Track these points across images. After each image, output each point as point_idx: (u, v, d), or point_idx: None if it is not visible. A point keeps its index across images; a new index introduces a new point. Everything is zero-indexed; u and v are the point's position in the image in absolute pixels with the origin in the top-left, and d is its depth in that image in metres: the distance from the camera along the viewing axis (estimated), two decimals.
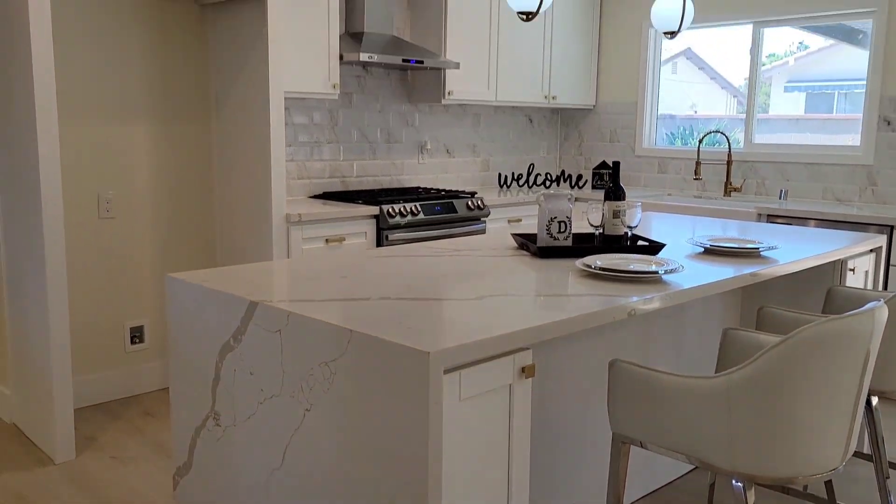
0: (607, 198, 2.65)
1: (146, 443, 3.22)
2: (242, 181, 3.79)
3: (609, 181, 5.23)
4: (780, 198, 4.71)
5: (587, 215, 2.64)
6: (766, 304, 2.97)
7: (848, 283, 2.87)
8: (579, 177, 5.37)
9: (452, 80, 4.60)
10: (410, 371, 1.46)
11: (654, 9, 3.00)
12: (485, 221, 4.44)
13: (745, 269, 2.31)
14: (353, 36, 4.27)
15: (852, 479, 2.91)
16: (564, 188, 5.30)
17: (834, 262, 2.90)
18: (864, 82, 4.45)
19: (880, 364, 2.14)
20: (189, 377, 2.06)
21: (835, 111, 4.79)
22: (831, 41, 4.79)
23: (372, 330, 1.56)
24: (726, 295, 3.03)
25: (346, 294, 1.90)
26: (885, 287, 3.83)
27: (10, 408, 3.42)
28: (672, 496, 2.79)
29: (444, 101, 4.59)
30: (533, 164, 5.41)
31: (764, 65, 4.92)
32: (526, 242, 2.59)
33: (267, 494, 1.85)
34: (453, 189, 4.90)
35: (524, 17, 2.33)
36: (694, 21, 5.03)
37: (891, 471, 2.90)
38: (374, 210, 3.93)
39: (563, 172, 5.53)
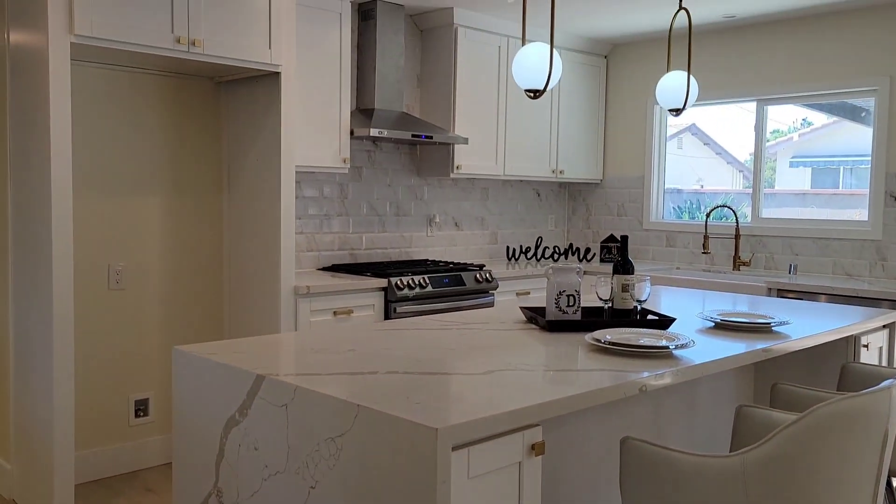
0: (616, 271, 2.65)
1: None
2: (252, 254, 3.82)
3: (617, 255, 5.25)
4: (789, 272, 4.70)
5: (596, 289, 2.63)
6: (779, 380, 2.92)
7: (862, 360, 2.82)
8: (587, 250, 5.38)
9: (461, 154, 4.68)
10: (418, 448, 1.43)
11: (660, 87, 3.07)
12: (493, 294, 4.44)
13: (757, 345, 2.28)
14: (363, 112, 4.37)
15: None
16: (573, 261, 5.30)
17: (847, 337, 2.87)
18: (869, 158, 4.50)
19: None
20: (193, 452, 2.03)
21: (840, 185, 4.83)
22: (834, 118, 4.87)
23: (379, 405, 1.54)
24: (738, 370, 2.98)
25: (353, 367, 1.88)
26: None
27: (10, 483, 3.36)
28: None
29: (452, 175, 4.66)
30: (541, 238, 5.44)
31: (769, 140, 4.99)
32: (535, 316, 2.58)
33: None
34: (462, 262, 4.91)
35: (531, 94, 2.38)
36: (698, 98, 5.13)
37: None
38: (383, 282, 3.93)
39: (570, 245, 5.55)
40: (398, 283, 3.96)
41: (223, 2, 3.29)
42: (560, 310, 2.51)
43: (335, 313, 3.77)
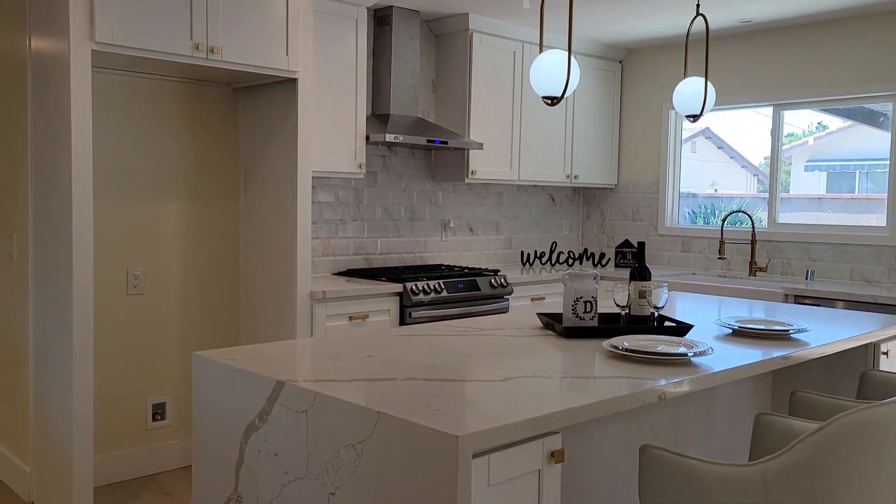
0: (633, 278, 2.64)
1: None
2: (268, 259, 3.84)
3: (632, 260, 5.24)
4: (806, 278, 4.67)
5: (613, 295, 2.63)
6: (797, 387, 2.91)
7: (882, 367, 2.80)
8: (602, 255, 5.37)
9: (476, 159, 4.68)
10: (439, 455, 1.44)
11: (677, 93, 3.07)
12: (508, 299, 4.43)
13: (776, 352, 2.27)
14: (379, 117, 4.39)
15: None
16: (587, 266, 5.29)
17: (867, 345, 2.85)
18: (887, 162, 4.47)
19: None
20: (212, 457, 2.04)
21: (857, 189, 4.80)
22: (850, 122, 4.84)
23: (399, 412, 1.54)
24: (757, 378, 2.97)
25: (371, 374, 1.89)
26: None
27: (29, 485, 3.39)
28: None
29: (467, 181, 4.67)
30: (556, 243, 5.43)
31: (783, 144, 4.96)
32: (551, 322, 2.58)
33: None
34: (476, 267, 4.92)
35: (549, 101, 2.39)
36: (715, 104, 5.11)
37: None
38: (398, 287, 3.94)
39: (585, 251, 5.54)
40: (413, 288, 3.96)
41: (241, 9, 3.32)
42: (577, 316, 2.51)
43: (351, 318, 3.78)
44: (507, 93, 4.87)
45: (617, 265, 5.32)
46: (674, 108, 5.36)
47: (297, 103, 3.62)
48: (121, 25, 2.98)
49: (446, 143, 4.32)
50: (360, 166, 4.13)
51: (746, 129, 5.23)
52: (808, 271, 4.67)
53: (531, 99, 4.99)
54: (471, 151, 4.65)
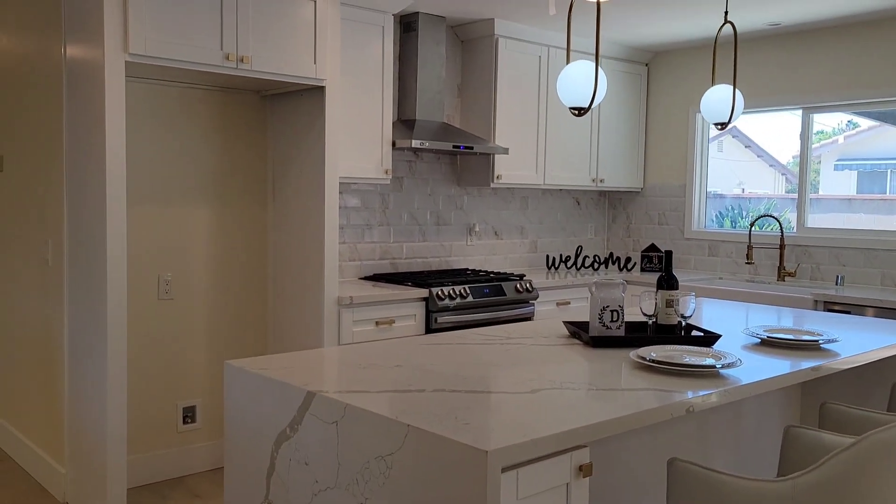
0: (660, 286, 2.64)
1: None
2: (296, 264, 3.88)
3: (658, 264, 5.21)
4: (836, 283, 4.62)
5: (640, 304, 2.63)
6: (826, 398, 2.88)
7: None
8: (628, 259, 5.35)
9: (501, 164, 4.69)
10: (468, 469, 1.45)
11: (705, 100, 3.05)
12: (533, 304, 4.44)
13: (805, 364, 2.25)
14: (405, 123, 4.41)
15: None
16: (613, 270, 5.28)
17: None
18: None
19: None
20: (244, 465, 2.08)
21: (888, 189, 4.73)
22: (881, 122, 4.77)
23: (429, 425, 1.56)
24: (785, 388, 2.95)
25: (400, 385, 1.91)
26: None
27: (64, 486, 3.47)
28: None
29: (492, 185, 4.68)
30: (581, 247, 5.42)
31: (813, 143, 4.90)
32: (578, 331, 2.58)
33: None
34: (502, 271, 4.92)
35: (576, 112, 2.39)
36: (743, 108, 5.07)
37: None
38: (424, 293, 3.97)
39: (611, 255, 5.53)
40: (439, 293, 3.99)
41: (270, 19, 3.36)
42: (604, 325, 2.52)
43: (377, 323, 3.81)
44: (533, 97, 4.87)
45: (643, 269, 5.29)
46: (700, 112, 5.32)
47: (325, 110, 3.65)
48: (153, 37, 3.03)
49: (472, 148, 4.34)
50: (387, 172, 4.16)
51: (774, 127, 5.18)
52: (837, 276, 4.61)
53: (556, 103, 4.99)
54: (496, 156, 4.66)
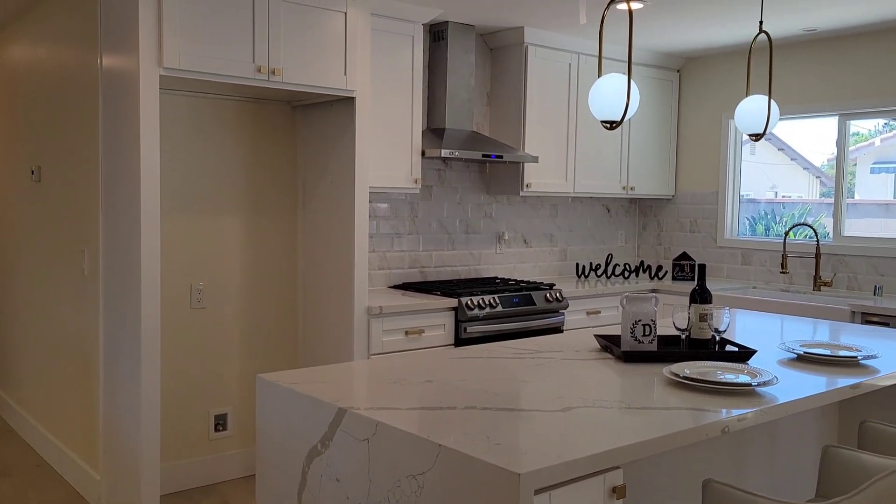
0: (693, 300, 2.60)
1: None
2: (326, 273, 3.90)
3: (690, 272, 5.15)
4: (874, 294, 4.52)
5: (672, 318, 2.59)
6: (865, 416, 2.81)
7: None
8: (659, 267, 5.29)
9: (530, 172, 4.67)
10: (501, 491, 1.44)
11: (739, 111, 3.01)
12: (563, 314, 4.41)
13: (844, 381, 2.21)
14: (434, 132, 4.42)
15: None
16: (643, 279, 5.23)
17: None
18: None
19: None
20: (276, 478, 2.09)
21: None
22: None
23: (461, 445, 1.56)
24: (822, 406, 2.88)
25: (431, 402, 1.90)
26: None
27: (98, 492, 3.52)
28: None
29: (522, 194, 4.66)
30: (611, 255, 5.38)
31: (849, 146, 4.82)
32: (609, 345, 2.56)
33: None
34: (531, 280, 4.90)
35: (608, 125, 2.37)
36: (778, 117, 5.00)
37: None
38: (453, 302, 3.96)
39: (642, 263, 5.47)
40: (468, 303, 3.98)
41: (301, 31, 3.39)
42: (636, 339, 2.49)
43: (407, 333, 3.82)
44: (563, 105, 4.84)
45: (674, 278, 5.23)
46: (734, 120, 5.25)
47: (355, 120, 3.67)
48: (187, 50, 3.07)
49: (501, 157, 4.32)
50: (416, 181, 4.17)
51: (809, 129, 5.09)
52: (875, 286, 4.52)
53: (586, 111, 4.95)
54: (525, 164, 4.64)
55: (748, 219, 5.35)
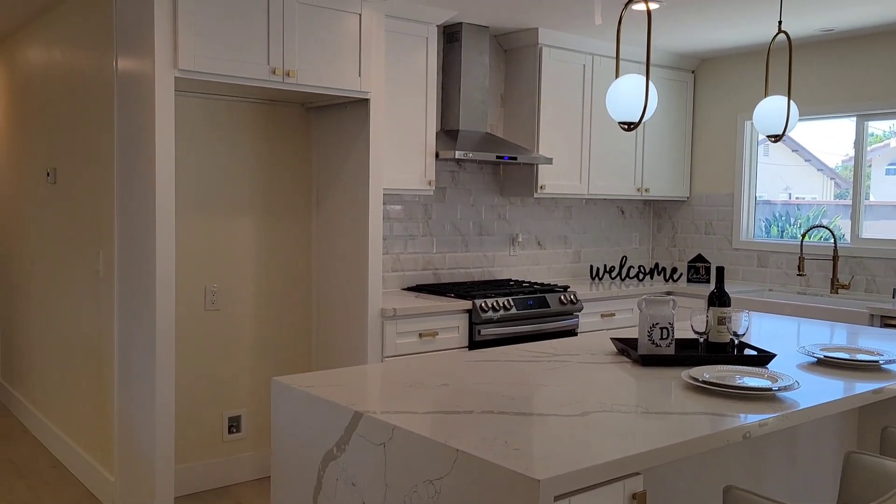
0: (711, 303, 2.57)
1: None
2: (340, 275, 3.89)
3: (705, 274, 5.10)
4: (893, 296, 4.47)
5: (691, 321, 2.57)
6: (886, 421, 2.77)
7: None
8: (674, 270, 5.25)
9: (544, 174, 4.65)
10: (520, 497, 1.43)
11: (758, 112, 2.98)
12: (577, 316, 4.38)
13: (866, 386, 2.17)
14: (448, 133, 4.40)
15: None
16: (658, 281, 5.19)
17: None
18: None
19: None
20: (291, 482, 2.08)
21: None
22: None
23: (478, 451, 1.54)
24: (842, 411, 2.85)
25: (448, 405, 1.89)
26: None
27: (113, 494, 3.53)
28: None
29: (536, 195, 4.64)
30: (626, 257, 5.34)
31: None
32: (626, 349, 2.53)
33: None
34: (545, 282, 4.88)
35: (626, 127, 2.35)
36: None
37: None
38: (467, 304, 3.94)
39: (656, 265, 5.43)
40: (483, 305, 3.96)
41: (316, 33, 3.38)
42: (653, 343, 2.46)
43: (420, 335, 3.80)
44: (577, 106, 4.82)
45: (689, 280, 5.19)
46: (750, 120, 5.21)
47: (369, 122, 3.66)
48: (202, 52, 3.07)
49: (515, 159, 4.30)
50: (430, 183, 4.16)
51: (823, 131, 5.04)
52: (894, 289, 4.46)
53: (601, 112, 4.93)
54: (540, 166, 4.62)
55: (763, 221, 5.30)
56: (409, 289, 4.43)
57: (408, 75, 4.05)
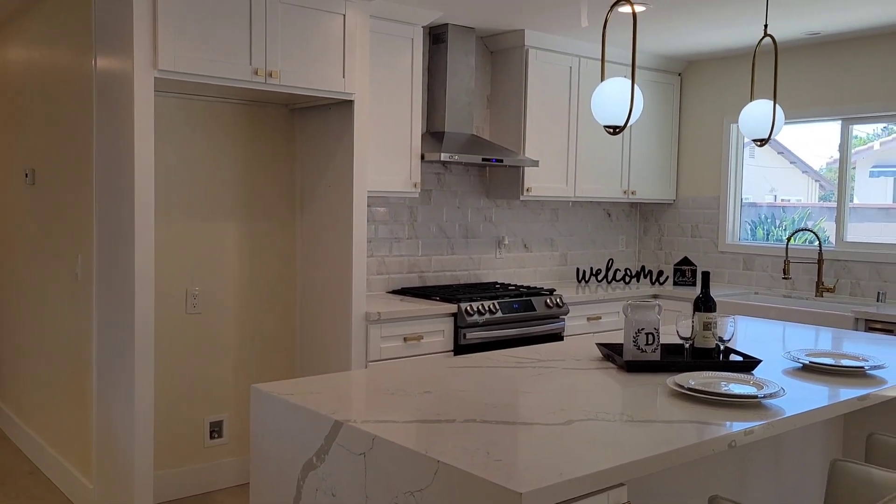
0: (697, 308, 2.56)
1: None
2: (324, 278, 3.85)
3: (691, 277, 5.10)
4: (877, 300, 4.47)
5: (676, 327, 2.55)
6: (870, 427, 2.77)
7: None
8: (660, 272, 5.24)
9: (531, 176, 4.63)
10: None
11: (743, 115, 2.97)
12: (564, 319, 4.36)
13: (852, 392, 2.16)
14: (433, 135, 4.37)
15: None
16: (645, 284, 5.18)
17: None
18: None
19: None
20: (270, 491, 2.04)
21: None
22: None
23: (460, 462, 1.51)
24: (828, 418, 2.84)
25: (430, 414, 1.85)
26: None
27: (92, 501, 3.46)
28: None
29: (522, 198, 4.61)
30: (612, 259, 5.33)
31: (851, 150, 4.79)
32: (612, 354, 2.51)
33: None
34: (531, 285, 4.85)
35: (611, 130, 2.33)
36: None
37: None
38: (453, 308, 3.91)
39: (643, 268, 5.43)
40: (468, 308, 3.93)
41: (299, 33, 3.34)
42: (638, 348, 2.44)
43: (405, 339, 3.77)
44: (563, 108, 4.80)
45: (676, 283, 5.19)
46: (736, 123, 5.21)
47: (354, 124, 3.62)
48: (182, 53, 3.02)
49: (501, 161, 4.28)
50: (416, 185, 4.12)
51: (808, 133, 5.06)
52: (878, 293, 4.47)
53: (587, 114, 4.91)
54: (526, 168, 4.59)
55: (749, 223, 5.31)
56: (394, 292, 4.39)
57: (393, 76, 4.02)
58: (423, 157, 4.13)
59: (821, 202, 5.13)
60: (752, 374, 2.32)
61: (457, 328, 3.93)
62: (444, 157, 4.03)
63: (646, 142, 5.30)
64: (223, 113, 3.77)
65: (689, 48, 4.99)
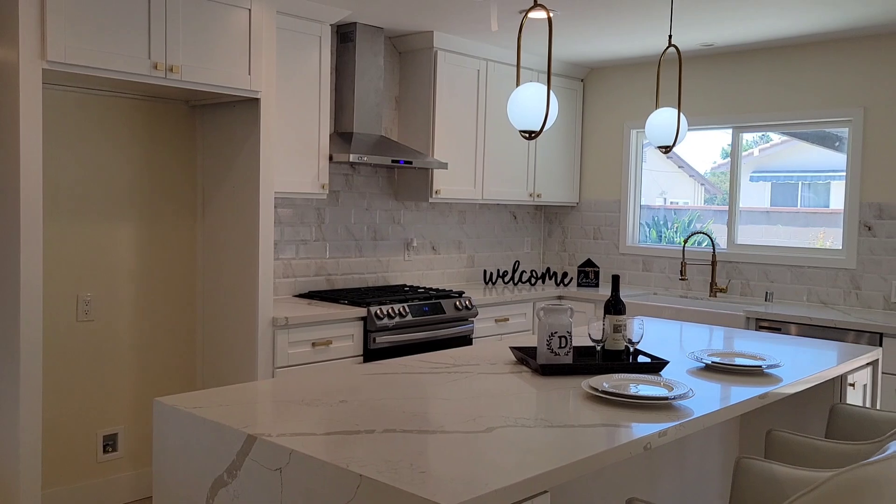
0: (608, 311, 2.61)
1: None
2: (228, 283, 3.71)
3: (594, 279, 5.23)
4: (765, 300, 4.73)
5: (588, 329, 2.59)
6: (765, 423, 2.91)
7: (849, 400, 2.83)
8: (564, 274, 5.36)
9: (439, 178, 4.62)
10: None
11: (649, 124, 3.06)
12: (472, 321, 4.38)
13: (753, 391, 2.26)
14: (342, 136, 4.29)
15: None
16: (550, 286, 5.27)
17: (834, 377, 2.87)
18: (828, 174, 4.60)
19: None
20: None
21: (799, 201, 4.94)
22: (790, 136, 5.00)
23: (383, 475, 1.47)
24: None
25: (348, 424, 1.80)
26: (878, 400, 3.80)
27: None
28: None
29: (430, 200, 4.60)
30: (518, 262, 5.40)
31: (727, 157, 5.05)
32: (526, 358, 2.53)
33: None
34: (440, 287, 4.85)
35: (527, 135, 2.34)
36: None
37: None
38: (362, 312, 3.85)
39: (548, 269, 5.53)
40: (377, 312, 3.88)
41: (202, 27, 3.20)
42: (552, 352, 2.46)
43: (314, 345, 3.68)
44: (471, 111, 4.82)
45: (579, 285, 5.31)
46: (637, 129, 5.39)
47: (260, 123, 3.50)
48: (74, 44, 2.83)
49: (411, 163, 4.25)
50: (324, 187, 4.03)
51: (694, 139, 5.32)
52: (766, 293, 4.73)
53: (495, 117, 4.95)
54: (435, 171, 4.58)
55: (644, 225, 5.51)
56: (302, 295, 4.28)
57: (300, 75, 3.91)
58: (331, 157, 4.05)
59: (706, 205, 5.40)
60: (661, 376, 2.39)
61: (366, 332, 3.87)
62: (352, 158, 3.96)
63: (551, 146, 5.40)
64: (120, 108, 3.56)
65: (591, 55, 5.12)
